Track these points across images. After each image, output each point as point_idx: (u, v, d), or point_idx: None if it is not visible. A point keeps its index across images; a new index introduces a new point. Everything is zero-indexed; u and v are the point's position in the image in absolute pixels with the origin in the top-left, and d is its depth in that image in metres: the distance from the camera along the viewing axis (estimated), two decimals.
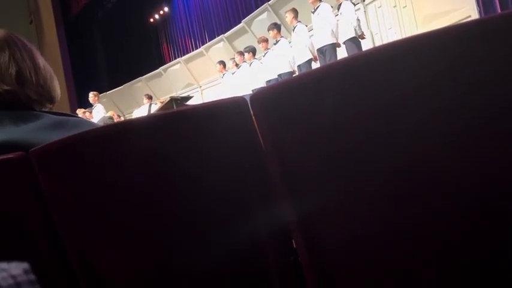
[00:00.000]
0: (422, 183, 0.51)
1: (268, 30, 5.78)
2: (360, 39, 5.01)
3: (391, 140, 0.51)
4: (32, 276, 0.33)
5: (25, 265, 0.33)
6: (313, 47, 5.26)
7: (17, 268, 0.33)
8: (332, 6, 5.27)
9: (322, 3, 5.14)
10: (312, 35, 5.37)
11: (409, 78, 0.48)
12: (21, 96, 0.83)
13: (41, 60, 0.90)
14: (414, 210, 0.52)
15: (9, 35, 0.88)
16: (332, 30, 5.00)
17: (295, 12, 5.44)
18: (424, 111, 0.48)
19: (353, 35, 4.92)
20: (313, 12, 5.22)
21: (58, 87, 0.93)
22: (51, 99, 0.90)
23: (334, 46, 5.04)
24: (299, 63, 5.40)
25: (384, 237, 0.55)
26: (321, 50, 5.11)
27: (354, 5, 5.12)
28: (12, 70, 0.83)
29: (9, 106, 0.82)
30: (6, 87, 0.82)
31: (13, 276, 0.32)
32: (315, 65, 5.35)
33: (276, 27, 5.75)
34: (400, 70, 0.49)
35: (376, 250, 0.56)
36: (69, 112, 0.98)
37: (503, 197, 0.48)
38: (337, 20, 5.16)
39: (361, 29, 5.02)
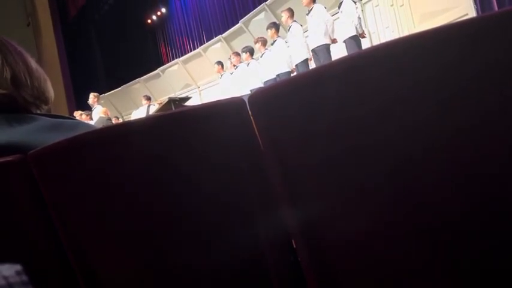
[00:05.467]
0: (423, 183, 0.51)
1: (267, 29, 5.79)
2: (360, 38, 5.01)
3: (390, 140, 0.51)
4: (25, 277, 0.33)
5: (17, 266, 0.33)
6: (308, 47, 5.28)
7: (9, 269, 0.33)
8: (325, 7, 5.30)
9: (315, 5, 5.17)
10: (307, 36, 5.38)
11: (408, 77, 0.48)
12: (17, 99, 0.83)
13: (33, 63, 0.90)
14: (415, 211, 0.52)
15: None
16: (326, 30, 5.02)
17: (290, 11, 5.46)
18: (424, 109, 0.48)
19: (354, 33, 4.92)
20: (307, 14, 5.25)
21: (51, 88, 0.93)
22: (46, 101, 0.90)
23: (327, 47, 5.08)
24: (296, 63, 5.41)
25: (384, 238, 0.55)
26: (314, 51, 5.15)
27: (355, 3, 5.13)
28: (7, 74, 0.83)
29: (5, 109, 0.82)
30: (2, 91, 0.81)
31: (5, 277, 0.32)
32: (312, 64, 5.37)
33: (275, 26, 5.76)
34: (398, 69, 0.48)
35: (376, 251, 0.56)
36: (66, 114, 0.98)
37: (505, 195, 0.48)
38: (338, 18, 5.18)
39: (362, 27, 5.02)
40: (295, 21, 5.44)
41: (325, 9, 5.24)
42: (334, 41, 5.12)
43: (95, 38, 11.31)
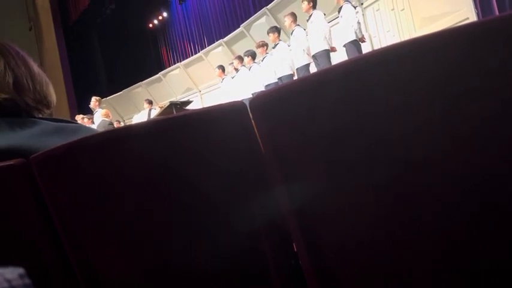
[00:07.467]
0: (423, 188, 0.51)
1: (268, 33, 5.81)
2: (360, 42, 5.02)
3: (391, 145, 0.51)
4: (27, 281, 0.33)
5: (20, 270, 0.34)
6: (309, 51, 5.30)
7: (12, 272, 0.33)
8: (324, 14, 5.32)
9: (315, 11, 5.20)
10: (308, 41, 5.40)
11: (407, 82, 0.48)
12: (20, 104, 0.84)
13: (35, 67, 0.91)
14: (414, 214, 0.52)
15: (1, 43, 0.88)
16: (325, 37, 5.04)
17: (293, 16, 5.48)
18: (424, 114, 0.48)
19: (354, 37, 4.93)
20: (307, 20, 5.27)
21: (53, 92, 0.93)
22: (48, 105, 0.91)
23: (327, 52, 5.09)
24: (297, 67, 5.43)
25: (384, 241, 0.55)
26: (314, 56, 5.17)
27: (355, 7, 5.14)
28: (9, 78, 0.83)
29: (8, 113, 0.82)
30: (4, 96, 0.82)
31: (8, 280, 0.32)
32: (313, 69, 5.38)
33: (277, 30, 5.79)
34: (399, 73, 0.49)
35: (376, 254, 0.56)
36: (68, 118, 0.98)
37: (504, 204, 0.48)
38: (338, 23, 5.19)
39: (361, 32, 5.03)
40: (298, 25, 5.46)
41: (324, 17, 5.26)
42: (333, 49, 5.14)
43: (96, 42, 11.34)
